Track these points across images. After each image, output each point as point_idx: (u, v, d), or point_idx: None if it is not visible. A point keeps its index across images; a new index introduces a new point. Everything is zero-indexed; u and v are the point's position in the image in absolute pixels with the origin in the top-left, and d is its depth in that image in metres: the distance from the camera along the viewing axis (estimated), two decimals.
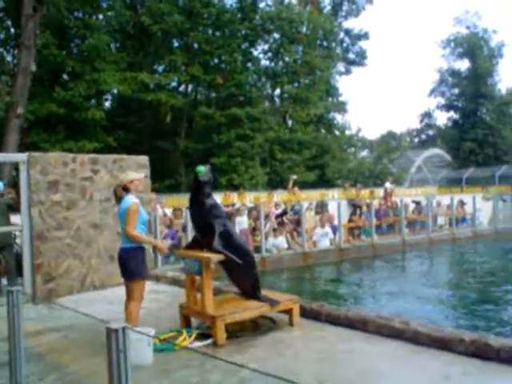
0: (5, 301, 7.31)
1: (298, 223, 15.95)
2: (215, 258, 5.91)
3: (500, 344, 4.97)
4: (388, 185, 21.27)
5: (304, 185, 23.97)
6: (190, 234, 11.97)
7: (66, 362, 5.41)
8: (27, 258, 8.58)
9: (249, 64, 29.91)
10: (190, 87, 29.85)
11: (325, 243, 16.01)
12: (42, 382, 4.84)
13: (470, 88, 42.89)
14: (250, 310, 6.13)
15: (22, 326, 3.56)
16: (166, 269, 11.21)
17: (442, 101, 46.61)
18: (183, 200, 16.00)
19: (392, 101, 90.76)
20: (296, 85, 32.00)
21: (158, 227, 11.93)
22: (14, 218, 9.42)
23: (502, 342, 5.00)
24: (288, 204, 17.30)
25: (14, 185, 10.11)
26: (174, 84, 28.98)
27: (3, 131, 16.84)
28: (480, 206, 22.08)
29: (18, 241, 10.12)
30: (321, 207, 17.70)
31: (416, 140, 51.65)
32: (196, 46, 27.54)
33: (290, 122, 32.37)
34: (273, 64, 31.54)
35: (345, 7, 36.50)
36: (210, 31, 28.56)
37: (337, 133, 35.84)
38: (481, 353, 5.03)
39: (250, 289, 6.35)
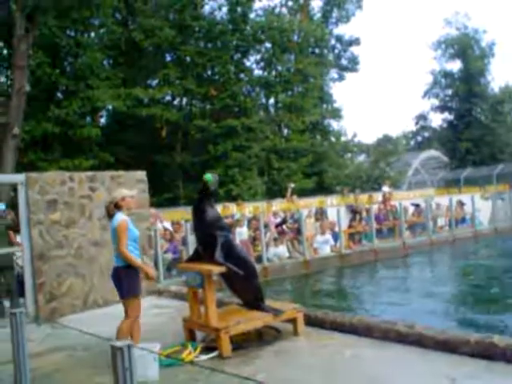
0: (7, 323, 7.33)
1: (298, 231, 15.94)
2: (217, 270, 5.91)
3: (505, 344, 4.96)
4: (386, 189, 21.29)
5: (302, 192, 23.98)
6: (191, 247, 11.96)
7: (71, 382, 5.39)
8: (28, 278, 8.56)
9: (242, 75, 29.98)
10: (184, 100, 29.90)
11: (326, 250, 16.00)
12: None
13: (463, 88, 43.02)
14: (254, 320, 6.12)
15: (27, 347, 3.55)
16: (169, 283, 11.20)
17: (436, 102, 46.74)
18: (182, 213, 16.02)
19: (386, 104, 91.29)
20: (290, 93, 32.07)
21: (158, 242, 11.92)
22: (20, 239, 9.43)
23: (508, 342, 5.00)
24: (287, 212, 17.31)
25: (13, 205, 10.10)
26: (168, 98, 29.05)
27: (0, 152, 16.84)
28: (479, 205, 22.08)
29: (19, 261, 10.12)
30: (320, 214, 17.70)
31: (412, 142, 51.77)
32: (188, 59, 27.61)
33: (285, 131, 32.41)
34: (266, 73, 31.63)
35: (335, 14, 36.65)
36: (202, 44, 28.64)
37: (333, 139, 35.87)
38: (487, 353, 5.02)
39: (252, 299, 6.34)
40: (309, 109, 30.82)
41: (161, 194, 23.44)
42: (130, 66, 27.30)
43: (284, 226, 16.25)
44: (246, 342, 6.11)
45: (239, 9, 28.63)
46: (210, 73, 28.98)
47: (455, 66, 44.85)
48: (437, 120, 62.68)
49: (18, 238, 9.49)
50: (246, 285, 6.26)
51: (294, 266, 14.88)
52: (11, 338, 3.55)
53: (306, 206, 18.87)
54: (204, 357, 5.75)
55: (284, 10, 33.29)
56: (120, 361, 2.40)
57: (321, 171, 31.08)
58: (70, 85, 23.36)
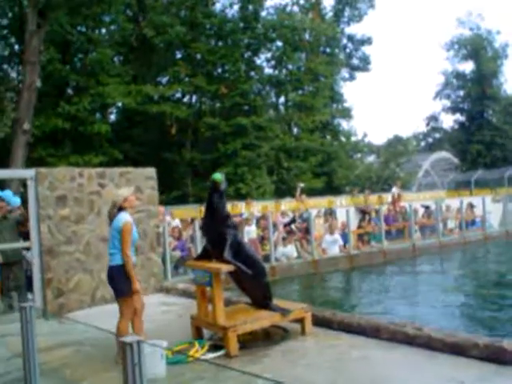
0: (15, 317, 7.36)
1: (306, 231, 15.91)
2: (225, 268, 5.90)
3: None
4: (394, 189, 21.23)
5: (311, 192, 23.93)
6: (200, 244, 11.96)
7: (79, 377, 5.40)
8: (37, 273, 8.59)
9: (252, 73, 29.98)
10: (194, 98, 29.93)
11: (334, 250, 15.96)
12: None
13: (475, 90, 42.79)
14: (262, 319, 6.11)
15: (36, 341, 3.55)
16: (176, 280, 11.20)
17: (448, 103, 46.53)
18: (191, 211, 16.03)
19: (397, 105, 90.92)
20: (300, 92, 32.05)
21: (166, 239, 11.92)
22: None
23: None
24: (296, 212, 17.28)
25: (23, 201, 10.14)
26: (178, 95, 29.09)
27: (10, 147, 16.92)
28: (490, 208, 21.96)
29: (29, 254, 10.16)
30: (329, 214, 17.66)
31: (423, 144, 51.54)
32: (199, 56, 27.64)
33: (295, 130, 32.40)
34: (276, 72, 31.62)
35: (347, 13, 36.56)
36: (213, 41, 28.68)
37: (343, 139, 35.85)
38: (495, 357, 4.99)
39: (261, 298, 6.33)
40: (319, 108, 30.79)
41: (169, 192, 23.47)
42: (141, 62, 27.34)
43: (293, 226, 16.22)
44: (253, 342, 6.09)
45: (250, 7, 28.63)
46: (220, 70, 28.99)
47: (468, 66, 44.64)
48: (448, 121, 62.33)
49: None
50: (255, 284, 6.25)
51: (302, 266, 14.85)
52: (21, 332, 3.55)
53: (315, 205, 18.83)
54: (211, 355, 5.74)
55: (296, 9, 33.21)
56: (129, 356, 2.40)
57: (330, 171, 31.04)
58: (80, 81, 23.44)
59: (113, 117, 28.83)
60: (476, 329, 8.46)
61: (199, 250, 10.89)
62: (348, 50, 37.82)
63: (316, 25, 30.90)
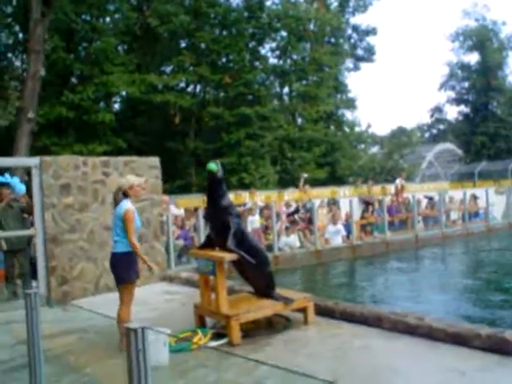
0: (19, 305, 7.41)
1: (309, 221, 15.92)
2: (229, 257, 5.91)
3: None
4: (398, 181, 21.20)
5: (315, 182, 23.94)
6: (203, 234, 11.99)
7: (82, 364, 5.44)
8: (41, 261, 8.63)
9: (257, 63, 29.93)
10: (198, 87, 29.91)
11: (337, 241, 15.97)
12: (61, 383, 4.89)
13: (480, 81, 42.63)
14: (265, 308, 6.13)
15: (40, 327, 3.59)
16: (179, 269, 11.24)
17: (453, 95, 46.41)
18: (194, 200, 16.06)
19: (402, 96, 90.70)
20: (304, 82, 31.99)
21: (170, 228, 11.95)
22: None
23: None
24: (299, 202, 17.29)
25: (27, 189, 10.17)
26: (182, 85, 29.06)
27: (14, 136, 16.96)
28: (493, 200, 21.91)
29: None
30: (333, 204, 17.66)
31: (427, 135, 51.43)
32: (203, 45, 27.57)
33: (299, 120, 32.37)
34: (281, 62, 31.57)
35: (352, 3, 36.40)
36: (217, 31, 28.60)
37: (346, 129, 35.81)
38: (497, 347, 5.00)
39: (264, 287, 6.35)
40: (323, 98, 30.75)
41: (173, 181, 23.52)
42: (145, 51, 27.32)
43: (296, 216, 16.23)
44: (255, 330, 6.12)
45: None
46: (224, 60, 28.93)
47: (473, 58, 44.49)
48: (452, 113, 62.48)
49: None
50: (258, 273, 6.27)
51: (304, 256, 14.87)
52: (26, 319, 3.58)
53: (319, 196, 18.84)
54: (214, 343, 5.78)
55: None
56: (134, 342, 2.42)
57: (334, 162, 31.04)
58: (84, 70, 23.44)
59: (117, 106, 28.86)
60: (478, 319, 8.47)
61: (202, 239, 10.91)
62: (353, 41, 37.70)
63: (321, 15, 30.80)
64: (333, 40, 34.50)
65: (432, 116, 50.52)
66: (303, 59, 31.57)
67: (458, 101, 46.13)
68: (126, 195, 5.80)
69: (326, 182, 26.98)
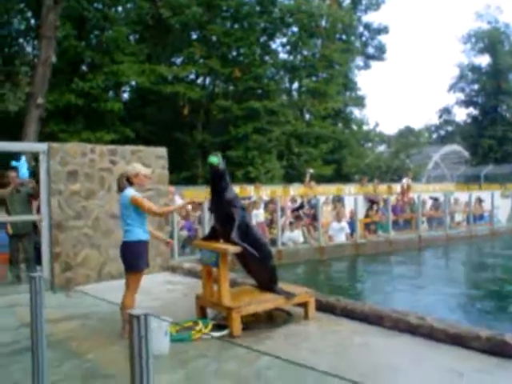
0: (23, 288, 7.45)
1: (314, 217, 15.94)
2: (232, 249, 5.94)
3: None
4: (404, 180, 21.19)
5: (320, 179, 23.94)
6: (207, 225, 12.02)
7: (84, 350, 5.48)
8: (46, 246, 8.69)
9: (267, 57, 29.90)
10: (207, 80, 29.91)
11: (341, 238, 15.99)
12: (62, 368, 4.92)
13: (490, 84, 42.43)
14: (266, 302, 6.17)
15: (44, 311, 3.62)
16: (183, 260, 11.28)
17: (462, 96, 46.21)
18: (200, 192, 16.08)
19: (411, 96, 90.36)
20: (314, 78, 31.94)
21: (175, 218, 11.99)
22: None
23: None
24: (304, 198, 17.30)
25: (34, 174, 10.22)
26: (191, 76, 29.07)
27: (23, 121, 17.01)
28: (498, 203, 21.87)
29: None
30: (338, 201, 17.67)
31: (434, 136, 51.27)
32: (214, 38, 27.56)
33: (307, 116, 32.33)
34: (291, 57, 31.51)
35: (364, 1, 36.23)
36: (229, 24, 28.58)
37: (354, 127, 35.77)
38: (497, 350, 5.01)
39: (267, 281, 6.38)
40: (332, 95, 30.70)
41: (179, 172, 23.55)
42: (156, 42, 27.32)
43: (300, 212, 16.25)
44: (256, 323, 6.15)
45: None
46: (235, 53, 28.91)
47: (484, 60, 44.31)
48: (461, 115, 62.22)
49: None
50: (261, 266, 6.29)
51: (308, 252, 14.90)
52: (30, 302, 3.61)
53: (324, 192, 18.84)
54: (214, 334, 5.81)
55: None
56: (136, 328, 2.45)
57: (340, 159, 31.02)
58: (95, 58, 23.48)
59: (126, 95, 28.91)
60: (479, 321, 8.49)
61: (206, 230, 10.96)
62: (364, 39, 37.56)
63: (333, 11, 30.71)
64: (344, 37, 34.39)
65: (440, 117, 50.37)
66: (314, 55, 31.52)
67: (467, 103, 45.95)
68: (130, 182, 5.79)
69: (331, 179, 26.97)
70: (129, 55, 24.46)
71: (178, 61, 28.95)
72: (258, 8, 28.47)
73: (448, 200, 19.55)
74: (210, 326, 5.99)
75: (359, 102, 36.02)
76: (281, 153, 27.77)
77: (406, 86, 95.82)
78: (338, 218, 16.12)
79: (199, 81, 29.80)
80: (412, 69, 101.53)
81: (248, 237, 6.06)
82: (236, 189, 14.26)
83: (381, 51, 37.96)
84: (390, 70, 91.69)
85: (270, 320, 6.38)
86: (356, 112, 37.01)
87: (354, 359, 5.09)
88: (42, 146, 8.89)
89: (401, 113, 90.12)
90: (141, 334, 2.46)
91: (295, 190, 19.28)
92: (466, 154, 40.09)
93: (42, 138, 16.64)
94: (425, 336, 5.57)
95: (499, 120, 42.08)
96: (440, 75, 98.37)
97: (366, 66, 38.34)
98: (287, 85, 32.75)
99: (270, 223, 15.01)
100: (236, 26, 28.45)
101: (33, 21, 24.39)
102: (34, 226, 9.98)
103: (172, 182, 12.62)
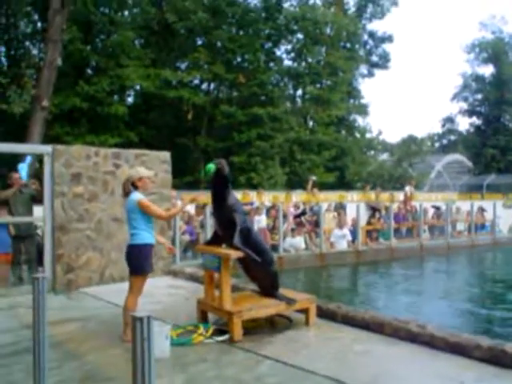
0: (25, 290, 7.47)
1: (316, 224, 15.95)
2: (235, 254, 5.95)
3: None
4: (407, 188, 21.20)
5: (322, 186, 23.95)
6: (209, 230, 12.04)
7: (84, 352, 5.49)
8: (48, 248, 8.71)
9: (271, 64, 29.98)
10: (212, 85, 29.96)
11: (342, 245, 15.99)
12: (62, 369, 4.93)
13: (493, 94, 42.47)
14: (267, 307, 6.17)
15: (47, 312, 3.64)
16: (184, 264, 11.29)
17: (465, 106, 46.26)
18: (202, 196, 16.08)
19: (414, 105, 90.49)
20: (318, 86, 31.98)
21: (177, 223, 12.01)
22: (37, 209, 9.59)
23: None
24: (307, 204, 17.32)
25: (38, 176, 10.25)
26: (196, 82, 29.13)
27: (28, 123, 17.07)
28: (500, 213, 21.85)
29: (39, 231, 10.30)
30: (340, 208, 17.68)
31: (437, 145, 51.29)
32: (219, 44, 27.64)
33: (310, 123, 32.37)
34: (295, 64, 31.57)
35: (369, 9, 36.31)
36: (234, 30, 28.66)
37: (357, 135, 35.77)
38: (497, 359, 5.00)
39: (268, 286, 6.39)
40: (336, 103, 30.72)
41: (182, 177, 23.57)
42: (161, 47, 27.42)
43: (302, 218, 16.26)
44: (257, 329, 6.16)
45: None
46: (239, 59, 28.98)
47: (487, 70, 44.35)
48: (464, 124, 62.13)
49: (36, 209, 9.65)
50: (263, 272, 6.30)
51: (309, 258, 14.90)
52: (33, 303, 3.63)
53: (327, 199, 18.86)
54: (215, 339, 5.82)
55: (318, 2, 33.11)
56: (139, 331, 2.46)
57: (343, 166, 31.02)
58: (100, 62, 23.58)
59: (130, 99, 28.95)
60: (479, 330, 8.47)
61: (208, 235, 10.98)
62: (368, 47, 37.60)
63: (338, 19, 30.78)
64: (348, 45, 34.46)
65: (443, 126, 50.40)
66: (318, 63, 31.57)
67: (470, 112, 45.99)
68: (135, 187, 5.84)
69: (334, 186, 26.95)
70: (134, 59, 24.55)
71: (183, 66, 29.02)
72: (263, 15, 28.57)
73: (450, 209, 19.55)
74: (210, 331, 5.99)
75: (362, 109, 36.04)
76: (284, 159, 27.77)
77: (410, 95, 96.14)
78: (340, 225, 16.13)
79: (203, 86, 29.87)
80: (416, 78, 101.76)
81: (250, 242, 6.08)
82: (238, 194, 14.34)
83: (385, 60, 38.00)
84: (394, 78, 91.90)
85: (271, 326, 6.38)
86: (359, 120, 37.07)
87: (354, 366, 5.09)
88: (46, 148, 8.93)
89: (404, 121, 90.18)
90: (143, 336, 2.47)
91: (297, 196, 19.29)
92: (469, 163, 40.10)
93: (47, 140, 16.70)
94: (425, 344, 5.56)
95: (502, 130, 42.10)
96: (443, 84, 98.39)
97: (370, 74, 38.37)
98: (291, 91, 32.81)
99: (272, 229, 15.03)
100: (241, 32, 28.54)
101: (39, 24, 24.53)
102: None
103: (175, 187, 12.65)
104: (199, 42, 28.55)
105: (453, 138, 50.40)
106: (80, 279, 8.90)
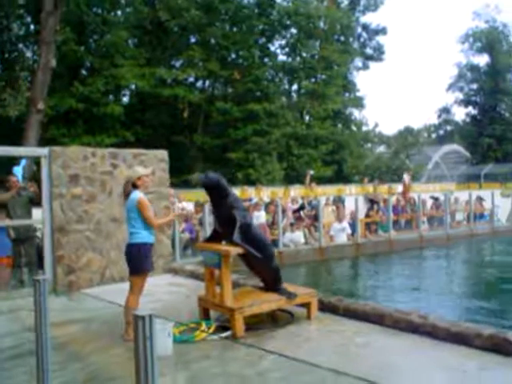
0: (25, 293, 7.48)
1: (315, 218, 15.96)
2: (234, 250, 5.96)
3: None
4: (405, 175, 21.19)
5: (321, 180, 23.97)
6: (208, 227, 12.05)
7: (87, 353, 5.50)
8: (48, 250, 8.71)
9: (266, 59, 29.96)
10: (207, 83, 29.95)
11: (342, 238, 16.00)
12: (65, 371, 4.94)
13: (488, 83, 42.51)
14: (268, 302, 6.18)
15: (49, 313, 3.65)
16: (184, 262, 11.30)
17: (461, 96, 46.31)
18: (201, 194, 16.09)
19: (410, 96, 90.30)
20: (313, 80, 31.97)
21: (176, 221, 12.00)
22: (36, 212, 9.58)
23: None
24: (305, 199, 17.32)
25: (35, 179, 10.25)
26: (191, 79, 29.11)
27: (24, 126, 17.04)
28: (498, 202, 21.87)
29: (38, 233, 10.30)
30: (338, 202, 17.69)
31: (434, 136, 51.34)
32: (213, 41, 27.62)
33: (307, 118, 32.37)
34: (290, 59, 31.54)
35: (362, 1, 36.30)
36: (228, 27, 28.63)
37: (354, 128, 35.80)
38: (499, 348, 5.02)
39: (271, 281, 6.40)
40: (331, 96, 30.74)
41: (179, 175, 23.55)
42: (155, 45, 27.38)
43: (301, 212, 16.27)
44: (258, 324, 6.17)
45: None
46: (234, 56, 28.97)
47: (482, 60, 44.39)
48: (460, 114, 62.27)
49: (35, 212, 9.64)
50: (264, 267, 6.31)
51: (308, 252, 14.91)
52: (34, 305, 3.64)
53: (325, 193, 18.87)
54: (217, 335, 5.83)
55: None
56: (141, 329, 2.47)
57: (340, 160, 31.05)
58: (94, 62, 23.56)
59: (126, 99, 28.92)
60: (480, 319, 8.50)
61: (207, 232, 10.98)
62: (362, 39, 37.61)
63: (331, 12, 30.75)
64: (342, 38, 34.45)
65: (439, 117, 50.48)
66: (312, 57, 31.56)
67: (465, 102, 46.03)
68: (135, 186, 5.87)
69: (332, 180, 26.99)
70: (128, 59, 24.52)
71: (178, 64, 28.99)
72: (256, 10, 28.53)
73: (448, 199, 19.56)
74: (212, 327, 6.00)
75: (358, 102, 36.04)
76: (281, 154, 27.79)
77: (405, 87, 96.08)
78: (339, 219, 16.15)
79: (199, 84, 29.84)
80: (411, 69, 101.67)
81: (250, 238, 6.08)
82: (237, 191, 14.33)
83: (379, 52, 38.00)
84: (389, 70, 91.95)
85: (273, 320, 6.39)
86: (355, 113, 37.11)
87: (356, 359, 5.10)
88: (43, 151, 8.92)
89: (400, 113, 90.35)
90: (146, 335, 2.48)
91: (296, 191, 19.30)
92: (466, 153, 40.15)
93: (43, 142, 16.67)
94: (427, 335, 5.58)
95: (498, 119, 42.15)
96: (439, 75, 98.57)
97: (365, 67, 38.37)
98: (286, 86, 32.80)
99: (272, 224, 15.03)
100: (235, 28, 28.51)
101: (32, 26, 24.45)
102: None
103: (172, 185, 12.64)
104: (193, 40, 28.55)
105: (449, 128, 50.45)
106: (81, 280, 8.90)
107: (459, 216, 21.23)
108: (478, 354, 5.04)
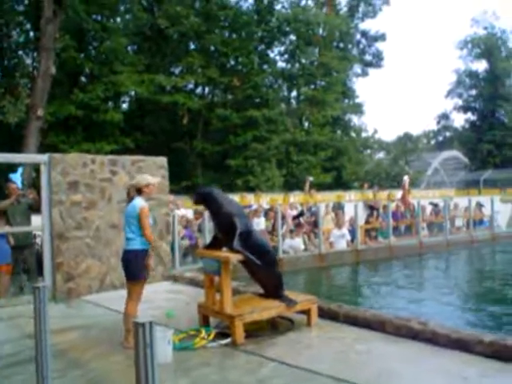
0: (25, 300, 7.46)
1: (314, 224, 15.94)
2: (234, 258, 5.95)
3: None
4: (405, 177, 21.17)
5: (320, 187, 23.97)
6: (208, 234, 12.03)
7: (87, 360, 5.48)
8: (47, 257, 8.69)
9: (265, 66, 30.04)
10: (206, 89, 30.01)
11: (342, 245, 15.98)
12: (65, 379, 4.93)
13: (487, 89, 42.61)
14: (268, 309, 6.16)
15: (49, 320, 3.64)
16: (184, 269, 11.28)
17: (460, 102, 46.41)
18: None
19: (409, 102, 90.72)
20: (312, 86, 32.04)
21: (176, 227, 11.99)
22: (35, 219, 9.57)
23: None
24: (305, 205, 17.31)
25: (34, 186, 10.24)
26: (190, 86, 29.16)
27: (23, 133, 17.04)
28: (498, 208, 21.85)
29: (38, 240, 10.29)
30: (337, 209, 17.68)
31: (433, 142, 51.40)
32: (212, 48, 27.70)
33: (306, 124, 32.42)
34: (289, 66, 31.63)
35: (361, 8, 36.48)
36: (227, 33, 28.72)
37: (353, 134, 35.85)
38: (500, 354, 5.01)
39: (273, 288, 6.38)
40: (331, 103, 30.79)
41: (179, 182, 23.57)
42: (154, 52, 27.45)
43: (301, 219, 16.26)
44: (258, 331, 6.15)
45: (265, 0, 28.63)
46: (233, 63, 29.05)
47: (481, 66, 44.54)
48: (459, 120, 62.40)
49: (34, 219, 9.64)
50: (266, 273, 6.28)
51: (308, 259, 14.88)
52: (34, 312, 3.63)
53: (324, 200, 18.86)
54: (217, 343, 5.81)
55: (310, 3, 33.19)
56: (141, 336, 2.46)
57: (339, 166, 31.08)
58: (94, 69, 23.60)
59: (125, 106, 28.98)
60: (481, 326, 8.49)
61: (207, 239, 10.97)
62: (361, 46, 37.74)
63: (330, 19, 30.85)
64: (341, 45, 34.57)
65: (438, 123, 50.58)
66: (311, 63, 31.64)
67: (464, 108, 46.12)
68: (139, 192, 5.87)
69: (331, 186, 27.00)
70: (128, 66, 24.58)
71: (177, 71, 29.06)
72: (255, 17, 28.63)
73: (448, 205, 19.55)
74: (212, 335, 5.99)
75: (357, 109, 36.12)
76: (280, 161, 27.81)
77: (404, 93, 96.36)
78: (339, 225, 16.13)
79: (198, 90, 29.90)
80: (410, 75, 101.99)
81: (251, 244, 6.06)
82: (236, 198, 14.34)
83: (378, 58, 38.14)
84: (388, 77, 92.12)
85: (273, 327, 6.38)
86: (354, 119, 37.18)
87: (356, 365, 5.09)
88: (43, 157, 8.92)
89: (399, 119, 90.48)
90: (146, 342, 2.47)
91: (295, 197, 19.29)
92: (465, 159, 40.18)
93: (43, 149, 16.66)
94: (427, 341, 5.57)
95: (497, 125, 42.21)
96: (437, 81, 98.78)
97: (364, 74, 38.49)
98: (286, 93, 32.88)
99: (271, 231, 15.02)
100: (234, 35, 28.59)
101: (32, 33, 24.51)
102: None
103: (172, 192, 12.64)
104: (192, 47, 28.61)
105: (448, 134, 50.53)
106: (80, 287, 8.88)
107: (459, 222, 21.20)
108: (479, 361, 5.02)
